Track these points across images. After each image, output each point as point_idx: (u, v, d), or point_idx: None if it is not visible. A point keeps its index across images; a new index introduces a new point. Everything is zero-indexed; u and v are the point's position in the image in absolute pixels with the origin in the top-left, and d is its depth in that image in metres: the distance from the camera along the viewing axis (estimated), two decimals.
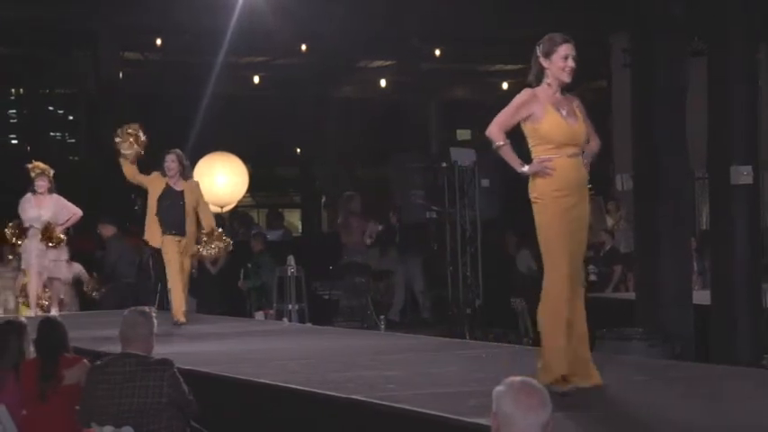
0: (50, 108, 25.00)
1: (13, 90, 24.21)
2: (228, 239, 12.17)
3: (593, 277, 16.44)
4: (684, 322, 11.42)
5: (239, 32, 17.58)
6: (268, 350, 9.66)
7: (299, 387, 7.06)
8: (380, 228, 16.83)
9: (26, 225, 13.04)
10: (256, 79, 23.21)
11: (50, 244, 13.04)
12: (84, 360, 7.14)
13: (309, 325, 13.85)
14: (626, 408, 6.25)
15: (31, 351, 7.38)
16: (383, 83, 23.51)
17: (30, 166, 13.30)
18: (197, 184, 11.98)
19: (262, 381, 7.40)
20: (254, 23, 17.51)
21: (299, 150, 25.86)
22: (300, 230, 24.73)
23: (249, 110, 23.63)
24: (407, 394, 6.59)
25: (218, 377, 7.68)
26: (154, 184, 11.76)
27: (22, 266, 13.42)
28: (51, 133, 24.87)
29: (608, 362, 8.71)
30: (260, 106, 23.70)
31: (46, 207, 13.13)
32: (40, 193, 13.17)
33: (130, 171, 11.80)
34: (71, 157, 23.27)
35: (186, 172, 11.80)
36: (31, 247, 13.06)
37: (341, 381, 7.24)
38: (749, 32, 11.22)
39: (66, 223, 13.28)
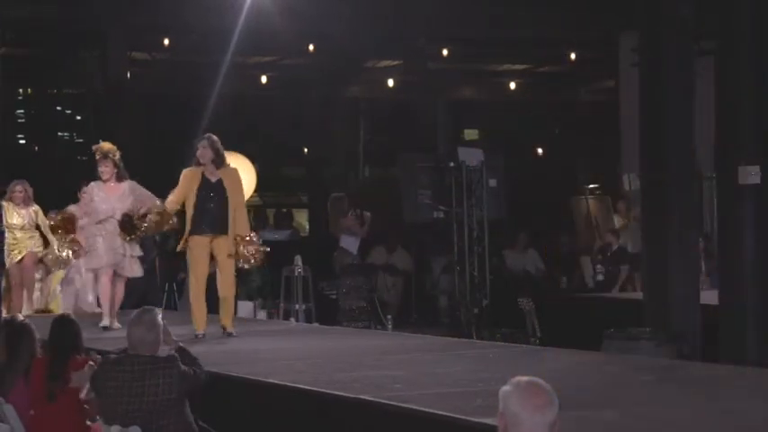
0: (58, 108, 25.02)
1: (20, 90, 24.23)
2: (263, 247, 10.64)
3: (600, 277, 16.48)
4: (692, 322, 11.41)
5: (247, 32, 17.58)
6: (275, 350, 9.67)
7: (306, 387, 7.07)
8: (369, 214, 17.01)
9: (99, 219, 11.28)
10: (264, 79, 23.20)
11: (129, 238, 11.15)
12: (92, 363, 7.12)
13: (316, 325, 13.86)
14: (633, 408, 6.25)
15: (38, 350, 7.37)
16: (390, 83, 23.48)
17: (94, 147, 11.64)
18: (235, 171, 10.61)
19: (269, 380, 7.41)
20: (262, 23, 17.52)
21: (306, 150, 25.85)
22: (308, 230, 24.74)
23: (256, 110, 23.63)
24: (414, 394, 6.59)
25: (226, 377, 7.69)
26: (191, 181, 10.32)
27: (92, 266, 11.66)
28: (59, 133, 24.90)
29: (615, 361, 8.74)
30: (267, 106, 23.70)
31: (117, 197, 11.29)
32: (105, 181, 11.40)
33: (170, 204, 10.47)
34: (79, 157, 23.27)
35: (219, 160, 10.39)
36: (104, 246, 11.29)
37: (348, 381, 7.24)
38: (757, 32, 11.20)
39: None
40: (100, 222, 11.30)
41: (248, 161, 17.92)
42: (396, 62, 23.25)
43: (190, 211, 10.29)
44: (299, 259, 15.01)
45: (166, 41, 20.88)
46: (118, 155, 11.43)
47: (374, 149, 25.41)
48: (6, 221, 12.88)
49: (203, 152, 10.31)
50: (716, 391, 6.89)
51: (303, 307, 14.94)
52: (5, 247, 12.87)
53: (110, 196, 11.30)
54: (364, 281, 16.07)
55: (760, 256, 11.07)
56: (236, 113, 21.79)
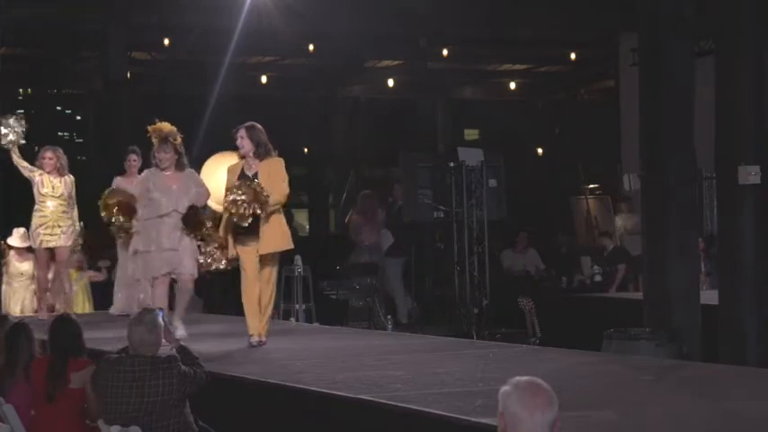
0: (58, 108, 25.05)
1: (20, 90, 24.24)
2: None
3: (597, 278, 16.51)
4: (692, 322, 11.42)
5: (247, 32, 17.60)
6: (275, 350, 9.66)
7: (306, 387, 7.07)
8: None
9: (159, 214, 9.70)
10: (264, 79, 23.24)
11: (193, 234, 9.75)
12: (92, 365, 7.10)
13: (317, 325, 13.85)
14: (633, 408, 6.25)
15: (37, 350, 7.37)
16: (391, 83, 23.52)
17: (151, 129, 9.86)
18: (276, 162, 9.27)
19: (269, 381, 7.41)
20: (262, 23, 17.54)
21: (306, 150, 25.88)
22: (308, 230, 24.75)
23: (257, 110, 23.63)
24: (415, 394, 6.59)
25: (226, 377, 7.69)
26: (232, 174, 9.15)
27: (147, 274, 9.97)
28: (59, 133, 24.91)
29: (615, 361, 8.74)
30: (267, 106, 23.72)
31: (179, 188, 9.71)
32: (163, 170, 9.71)
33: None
34: (79, 157, 23.29)
35: (261, 150, 9.12)
36: (161, 249, 9.69)
37: (348, 380, 7.24)
38: (758, 32, 11.20)
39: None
40: (160, 217, 9.71)
41: None
42: (396, 62, 23.29)
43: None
44: (299, 259, 14.99)
45: (166, 41, 20.91)
46: (179, 139, 9.80)
47: (374, 149, 25.44)
48: (39, 191, 11.50)
49: (242, 143, 9.16)
50: (716, 391, 6.88)
51: (303, 307, 14.94)
52: (33, 222, 11.44)
53: (171, 188, 9.73)
54: (369, 280, 16.07)
55: (760, 256, 11.07)
56: (236, 113, 21.81)
